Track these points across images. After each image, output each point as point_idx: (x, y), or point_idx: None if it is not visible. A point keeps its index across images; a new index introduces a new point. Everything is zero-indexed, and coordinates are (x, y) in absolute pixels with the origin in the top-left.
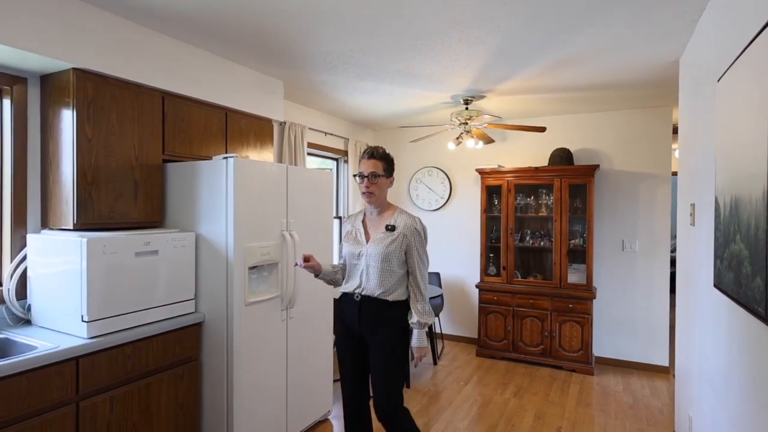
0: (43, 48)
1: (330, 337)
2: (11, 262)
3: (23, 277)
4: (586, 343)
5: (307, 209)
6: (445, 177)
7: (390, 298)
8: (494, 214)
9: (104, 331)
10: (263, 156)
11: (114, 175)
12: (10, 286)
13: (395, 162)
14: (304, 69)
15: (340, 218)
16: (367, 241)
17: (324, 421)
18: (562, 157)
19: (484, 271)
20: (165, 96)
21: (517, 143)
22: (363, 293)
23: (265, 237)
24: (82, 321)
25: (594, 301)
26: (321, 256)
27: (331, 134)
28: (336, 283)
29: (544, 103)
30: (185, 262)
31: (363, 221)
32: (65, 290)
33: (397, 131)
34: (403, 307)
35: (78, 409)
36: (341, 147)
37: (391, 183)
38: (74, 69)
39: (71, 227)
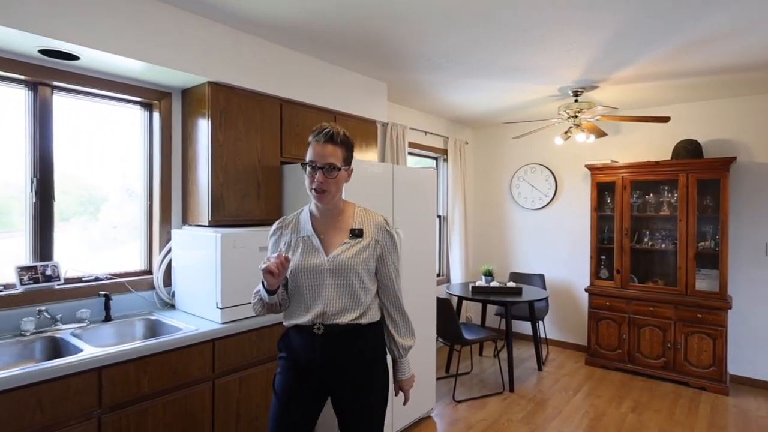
0: (185, 65)
1: (432, 333)
2: (159, 253)
3: (169, 267)
4: (720, 359)
5: (412, 208)
6: (550, 174)
7: (364, 320)
8: (606, 213)
9: (234, 317)
10: (368, 157)
11: (240, 176)
12: (159, 275)
13: (499, 159)
14: (407, 69)
15: (439, 217)
16: (327, 253)
17: (427, 419)
18: (688, 149)
19: (595, 274)
20: (282, 103)
21: (633, 136)
22: (326, 322)
23: None
24: (217, 307)
25: (729, 311)
26: (425, 257)
27: (431, 133)
28: (273, 309)
29: (666, 90)
30: None
31: (312, 226)
32: (202, 279)
33: (497, 128)
34: (378, 329)
35: (214, 386)
36: (440, 146)
37: (350, 176)
38: (209, 82)
39: (206, 224)
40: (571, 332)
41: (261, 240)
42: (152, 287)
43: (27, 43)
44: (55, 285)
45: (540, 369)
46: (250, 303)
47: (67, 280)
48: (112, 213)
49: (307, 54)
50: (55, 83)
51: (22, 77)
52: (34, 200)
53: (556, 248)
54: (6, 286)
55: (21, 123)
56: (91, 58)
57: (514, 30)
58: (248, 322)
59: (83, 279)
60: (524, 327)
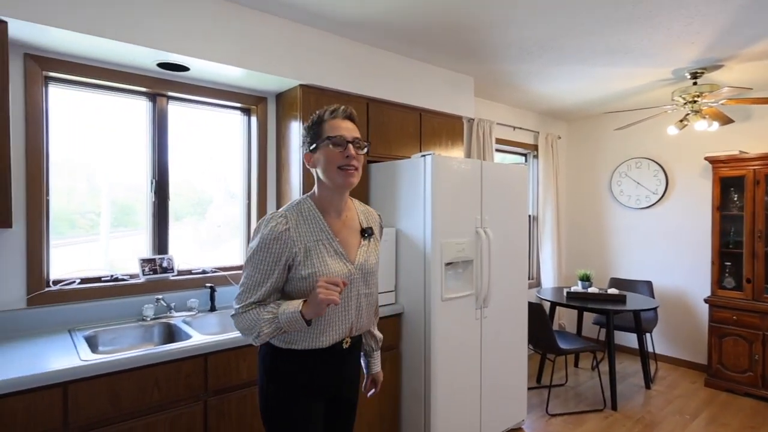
0: (279, 70)
1: (523, 340)
2: None
3: None
4: None
5: (501, 206)
6: (659, 168)
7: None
8: (732, 213)
9: None
10: (453, 154)
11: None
12: None
13: (597, 154)
14: (495, 60)
15: (529, 217)
16: (351, 257)
17: (517, 429)
18: None
19: (717, 283)
20: (369, 102)
21: (767, 122)
22: (353, 335)
23: (460, 233)
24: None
25: None
26: (516, 259)
27: (520, 128)
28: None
29: None
30: (387, 256)
31: (327, 225)
32: None
33: (595, 120)
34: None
35: None
36: (530, 141)
37: None
38: (300, 85)
39: None
40: (685, 348)
41: None
42: None
43: (147, 57)
44: (170, 276)
45: (648, 387)
46: None
47: (180, 272)
48: (216, 213)
49: (392, 51)
50: (170, 93)
51: (143, 89)
52: (153, 200)
53: (666, 252)
54: (132, 276)
55: (143, 131)
56: (199, 68)
57: (622, 5)
58: None
59: (192, 272)
60: (627, 339)
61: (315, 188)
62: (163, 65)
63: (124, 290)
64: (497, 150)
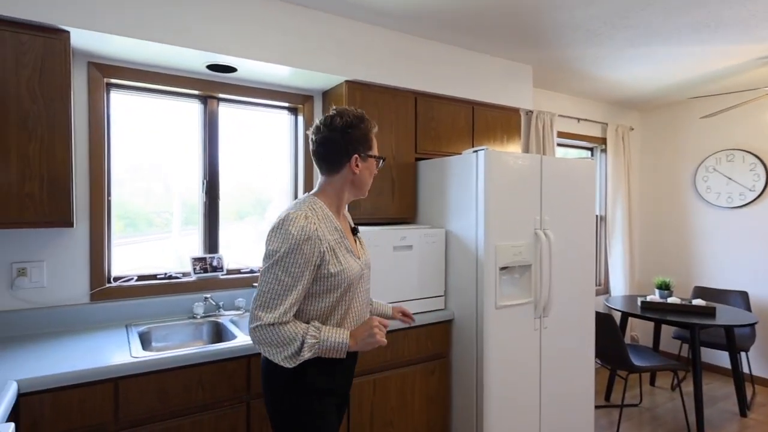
0: (325, 67)
1: (589, 352)
2: None
3: None
4: None
5: (564, 205)
6: (757, 162)
7: None
8: None
9: None
10: (510, 149)
11: (378, 174)
12: None
13: (678, 146)
14: (557, 46)
15: (597, 217)
16: (357, 254)
17: None
18: None
19: None
20: (417, 96)
21: None
22: None
23: (516, 235)
24: None
25: None
26: (581, 264)
27: (585, 120)
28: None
29: None
30: (436, 259)
31: (340, 224)
32: None
33: (674, 108)
34: None
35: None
36: (597, 134)
37: None
38: (346, 81)
39: None
40: None
41: (394, 238)
42: None
43: (197, 60)
44: (219, 275)
45: (743, 414)
46: (386, 303)
47: (229, 271)
48: (274, 213)
49: (442, 42)
50: (220, 95)
51: (195, 92)
52: (204, 200)
53: (766, 259)
54: (185, 274)
55: (196, 133)
56: (247, 68)
57: None
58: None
59: (241, 271)
60: (716, 357)
61: (325, 188)
62: (212, 67)
63: (178, 288)
64: (559, 144)
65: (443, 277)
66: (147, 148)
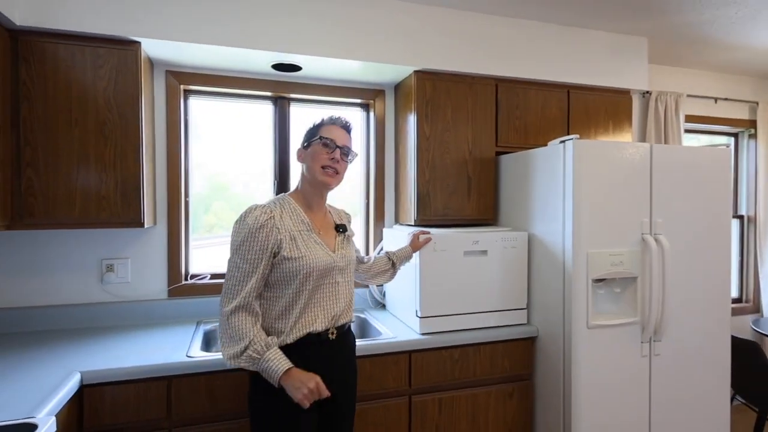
0: (393, 57)
1: (723, 385)
2: (373, 251)
3: None
4: None
5: (685, 205)
6: None
7: (353, 319)
8: None
9: (433, 329)
10: (619, 139)
11: (448, 171)
12: None
13: None
14: (678, 9)
15: (740, 218)
16: (331, 249)
17: None
18: None
19: None
20: (498, 83)
21: None
22: (337, 325)
23: (616, 241)
24: (416, 316)
25: None
26: (710, 276)
27: (725, 99)
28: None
29: None
30: (516, 266)
31: (308, 218)
32: (405, 283)
33: None
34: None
35: (410, 403)
36: (743, 116)
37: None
38: (415, 72)
39: (413, 223)
40: None
41: (464, 242)
42: (367, 285)
43: (263, 60)
44: None
45: None
46: (447, 315)
47: None
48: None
49: (527, 18)
50: (292, 95)
51: (268, 93)
52: None
53: None
54: None
55: (268, 133)
56: (312, 66)
57: None
58: (450, 337)
59: None
60: None
61: (298, 185)
62: (278, 67)
63: None
64: (688, 131)
65: (525, 288)
66: (226, 150)
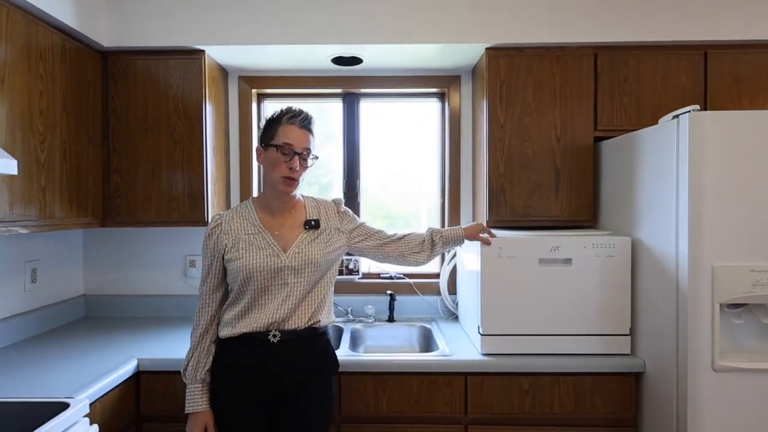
0: (456, 35)
1: None
2: (447, 256)
3: (454, 272)
4: None
5: None
6: None
7: (321, 323)
8: None
9: (498, 350)
10: None
11: (529, 163)
12: (443, 280)
13: None
14: None
15: None
16: (285, 250)
17: None
18: None
19: None
20: (598, 51)
21: None
22: (284, 328)
23: (759, 252)
24: (478, 332)
25: None
26: None
27: None
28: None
29: None
30: (615, 280)
31: (261, 222)
32: (471, 292)
33: None
34: (327, 336)
35: None
36: None
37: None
38: (487, 49)
39: (485, 225)
40: None
41: (540, 248)
42: (439, 292)
43: (322, 55)
44: (356, 278)
45: None
46: (517, 335)
47: (365, 275)
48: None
49: None
50: (361, 90)
51: (338, 91)
52: (344, 202)
53: None
54: None
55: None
56: (374, 56)
57: None
58: (518, 362)
59: (381, 275)
60: None
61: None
62: (338, 61)
63: None
64: None
65: (628, 309)
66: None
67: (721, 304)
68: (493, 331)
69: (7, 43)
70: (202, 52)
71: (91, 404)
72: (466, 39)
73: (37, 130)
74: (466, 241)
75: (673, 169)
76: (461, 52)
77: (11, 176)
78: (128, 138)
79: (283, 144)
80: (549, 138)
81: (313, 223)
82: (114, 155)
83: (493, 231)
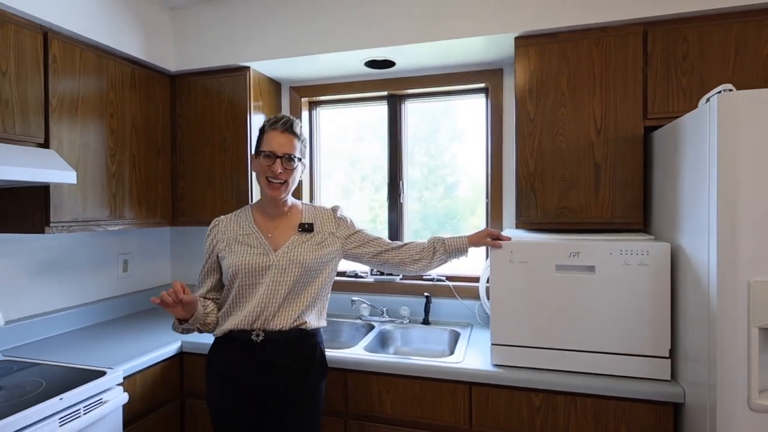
0: (480, 27)
1: None
2: (486, 259)
3: None
4: None
5: None
6: None
7: (309, 326)
8: None
9: (509, 361)
10: None
11: (563, 159)
12: (482, 284)
13: None
14: None
15: None
16: (275, 249)
17: None
18: None
19: None
20: (648, 28)
21: None
22: (269, 328)
23: None
24: (491, 341)
25: None
26: None
27: None
28: (206, 328)
29: None
30: (649, 292)
31: (256, 224)
32: (495, 300)
33: None
34: (318, 337)
35: None
36: None
37: (302, 173)
38: (516, 38)
39: (513, 226)
40: None
41: (557, 253)
42: (479, 297)
43: (355, 60)
44: (396, 279)
45: None
46: (531, 347)
47: (405, 276)
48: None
49: None
50: (405, 92)
51: (384, 93)
52: (388, 203)
53: None
54: (360, 275)
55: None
56: (404, 57)
57: None
58: (529, 376)
59: (422, 277)
60: None
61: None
62: (371, 64)
63: (356, 287)
64: None
65: (667, 327)
66: (349, 158)
67: (759, 329)
68: (505, 342)
69: (80, 78)
70: (247, 68)
71: (128, 376)
72: (494, 30)
73: (108, 146)
74: (471, 249)
75: (706, 162)
76: (498, 44)
77: (84, 184)
78: (191, 149)
79: (265, 150)
80: (587, 130)
81: (306, 226)
82: (180, 164)
83: (514, 232)
